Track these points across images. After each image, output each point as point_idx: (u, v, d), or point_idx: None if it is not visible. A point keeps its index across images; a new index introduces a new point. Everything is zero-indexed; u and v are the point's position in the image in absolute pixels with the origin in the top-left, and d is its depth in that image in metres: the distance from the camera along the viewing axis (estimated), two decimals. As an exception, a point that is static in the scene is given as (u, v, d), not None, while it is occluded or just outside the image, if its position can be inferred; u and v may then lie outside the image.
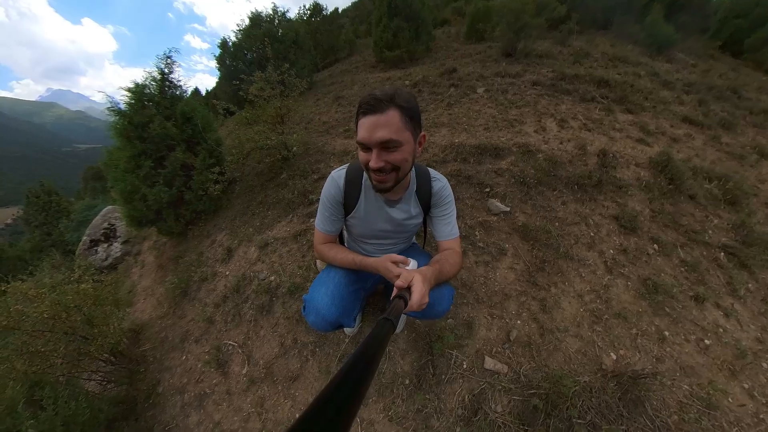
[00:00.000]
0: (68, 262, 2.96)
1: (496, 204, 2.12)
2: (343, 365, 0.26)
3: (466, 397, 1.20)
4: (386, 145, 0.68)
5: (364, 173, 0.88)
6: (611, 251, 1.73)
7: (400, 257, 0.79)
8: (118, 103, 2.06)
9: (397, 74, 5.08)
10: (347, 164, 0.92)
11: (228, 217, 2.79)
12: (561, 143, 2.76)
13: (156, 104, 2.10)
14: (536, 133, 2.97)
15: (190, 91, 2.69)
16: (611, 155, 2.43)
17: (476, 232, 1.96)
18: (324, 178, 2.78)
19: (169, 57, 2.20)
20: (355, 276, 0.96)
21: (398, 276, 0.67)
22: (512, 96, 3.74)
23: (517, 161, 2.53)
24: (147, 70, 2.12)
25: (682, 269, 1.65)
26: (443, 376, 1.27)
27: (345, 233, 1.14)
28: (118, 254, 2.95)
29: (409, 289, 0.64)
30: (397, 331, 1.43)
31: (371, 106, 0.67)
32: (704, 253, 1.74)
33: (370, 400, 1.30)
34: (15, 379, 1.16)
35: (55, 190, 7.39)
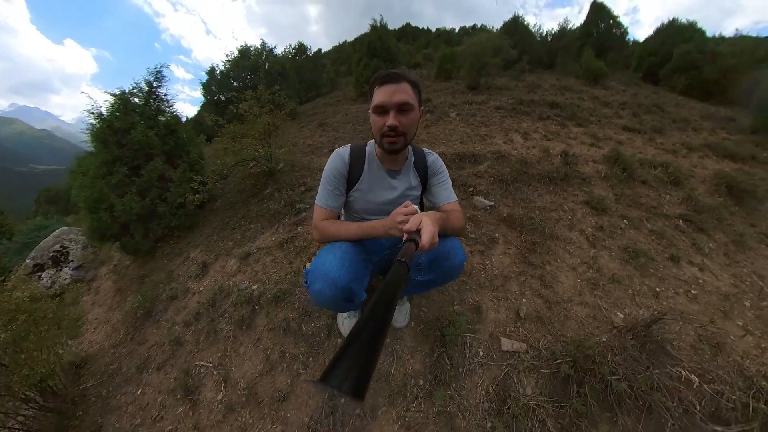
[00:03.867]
0: None
1: (481, 200, 2.23)
2: (367, 308, 0.29)
3: (490, 387, 1.10)
4: (402, 108, 0.78)
5: (367, 148, 0.95)
6: (590, 229, 1.88)
7: (407, 209, 0.75)
8: (99, 107, 1.99)
9: (376, 105, 5.57)
10: (349, 144, 0.98)
11: (204, 234, 2.60)
12: (528, 149, 3.09)
13: (140, 114, 2.06)
14: (506, 144, 3.32)
15: (175, 110, 2.70)
16: (572, 155, 2.75)
17: (467, 226, 2.01)
18: (312, 189, 2.79)
19: (159, 72, 2.23)
20: (362, 247, 0.93)
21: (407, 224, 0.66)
22: (481, 118, 4.24)
23: (493, 164, 2.76)
24: (135, 82, 2.12)
25: (653, 237, 1.83)
26: (460, 369, 1.15)
27: (343, 214, 1.11)
28: (67, 281, 2.53)
29: (418, 231, 0.64)
30: (402, 324, 1.31)
31: (389, 77, 0.78)
32: (666, 223, 1.96)
33: (380, 410, 1.11)
34: None
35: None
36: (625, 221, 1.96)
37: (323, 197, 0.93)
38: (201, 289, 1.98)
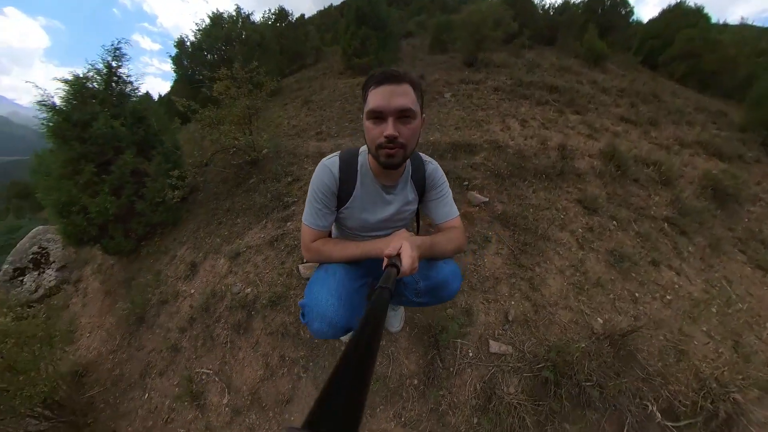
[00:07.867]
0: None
1: (476, 195, 2.21)
2: (351, 341, 0.27)
3: (478, 385, 1.19)
4: (403, 114, 0.67)
5: (359, 159, 0.84)
6: (580, 230, 1.92)
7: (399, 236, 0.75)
8: (51, 97, 1.71)
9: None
10: (336, 153, 0.86)
11: (190, 229, 2.51)
12: (525, 140, 3.01)
13: (100, 101, 1.79)
14: (502, 132, 3.20)
15: (141, 92, 2.39)
16: (568, 148, 2.72)
17: (466, 237, 2.04)
18: (298, 180, 2.66)
19: (117, 49, 1.91)
20: (358, 271, 0.88)
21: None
22: (477, 100, 4.03)
23: (489, 156, 2.69)
24: (91, 63, 1.81)
25: (638, 240, 1.89)
26: (451, 369, 1.24)
27: (333, 230, 1.05)
28: (53, 283, 2.43)
29: (399, 256, 0.63)
30: (397, 329, 1.37)
31: (387, 76, 0.66)
32: (652, 225, 2.02)
33: (378, 409, 1.21)
34: None
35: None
36: (614, 222, 2.01)
37: (311, 217, 0.84)
38: (192, 291, 1.96)
